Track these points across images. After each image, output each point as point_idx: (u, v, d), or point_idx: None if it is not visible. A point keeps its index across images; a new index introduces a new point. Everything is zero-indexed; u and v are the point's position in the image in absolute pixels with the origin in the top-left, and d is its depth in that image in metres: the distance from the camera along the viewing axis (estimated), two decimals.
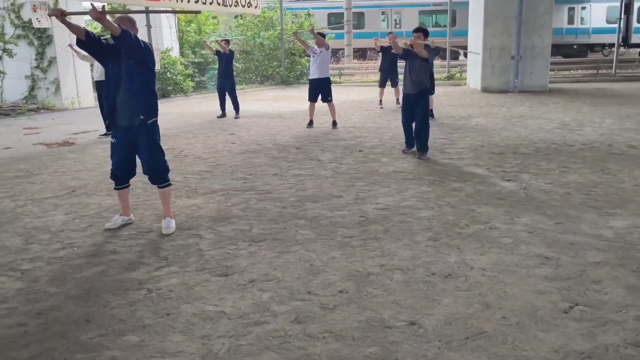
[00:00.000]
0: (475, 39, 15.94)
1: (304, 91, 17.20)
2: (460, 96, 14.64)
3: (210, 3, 15.84)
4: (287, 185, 5.71)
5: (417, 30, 6.78)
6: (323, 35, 9.55)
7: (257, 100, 15.58)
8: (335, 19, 28.77)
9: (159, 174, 4.51)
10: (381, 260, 3.70)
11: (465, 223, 4.42)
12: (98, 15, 3.85)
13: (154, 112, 4.41)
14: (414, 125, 7.02)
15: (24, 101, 13.63)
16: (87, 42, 4.05)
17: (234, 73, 12.06)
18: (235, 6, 16.90)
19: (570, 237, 4.05)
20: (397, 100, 12.21)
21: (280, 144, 8.22)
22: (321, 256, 3.80)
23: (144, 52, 4.21)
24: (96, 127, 10.06)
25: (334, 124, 9.70)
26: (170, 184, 4.64)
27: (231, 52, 11.51)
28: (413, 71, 6.73)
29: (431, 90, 10.26)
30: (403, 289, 3.26)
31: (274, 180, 5.98)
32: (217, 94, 11.94)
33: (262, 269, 3.61)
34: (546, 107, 11.81)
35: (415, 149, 7.14)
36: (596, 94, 14.20)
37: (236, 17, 23.22)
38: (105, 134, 9.25)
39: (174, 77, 16.26)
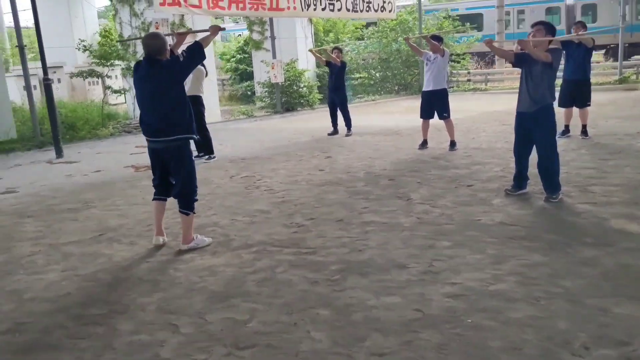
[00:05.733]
0: None
1: None
2: (634, 105, 11.77)
3: (339, 9, 14.77)
4: (343, 241, 4.27)
5: (536, 23, 4.91)
6: (439, 39, 7.87)
7: (386, 113, 14.22)
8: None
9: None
10: None
11: (586, 341, 2.62)
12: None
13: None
14: (533, 157, 5.13)
15: None
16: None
17: (346, 85, 10.78)
18: (367, 11, 15.63)
19: None
20: None
21: (374, 172, 6.76)
22: None
23: None
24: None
25: (452, 144, 7.96)
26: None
27: (343, 63, 10.28)
28: (531, 81, 4.88)
29: (587, 102, 8.09)
30: None
31: (332, 230, 4.58)
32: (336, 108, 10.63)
33: None
34: None
35: (523, 190, 5.26)
36: None
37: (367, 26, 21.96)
38: (197, 156, 8.58)
39: (300, 89, 15.50)
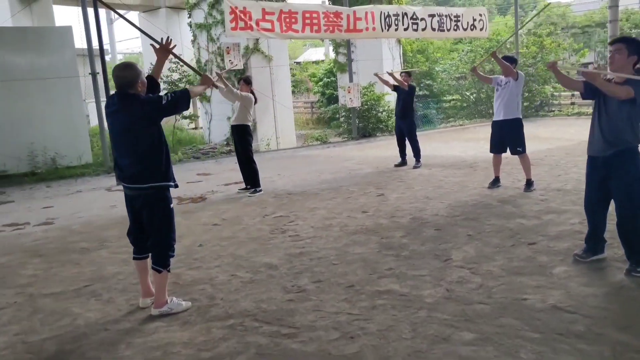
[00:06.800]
0: None
1: (540, 127, 13.84)
2: None
3: (423, 29, 13.93)
4: (338, 321, 3.38)
5: (615, 41, 3.75)
6: (512, 60, 6.71)
7: (470, 140, 12.96)
8: None
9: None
10: None
11: None
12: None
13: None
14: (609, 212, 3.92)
15: (225, 143, 13.63)
16: None
17: (414, 112, 9.71)
18: (456, 30, 14.62)
19: None
20: None
21: (422, 218, 5.76)
22: None
23: None
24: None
25: (528, 184, 6.74)
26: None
27: (411, 87, 9.29)
28: (605, 117, 3.74)
29: None
30: None
31: (334, 300, 3.69)
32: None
33: None
34: None
35: (599, 256, 4.05)
36: None
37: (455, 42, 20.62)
38: (245, 188, 8.04)
39: (379, 114, 14.62)
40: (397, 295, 3.71)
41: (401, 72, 9.51)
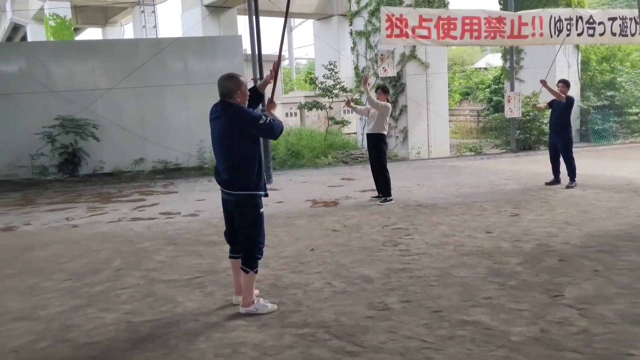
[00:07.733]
0: None
1: None
2: None
3: (601, 34, 12.74)
4: (408, 346, 3.22)
5: None
6: None
7: None
8: None
9: None
10: None
11: None
12: None
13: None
14: None
15: None
16: None
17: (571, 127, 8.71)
18: None
19: None
20: None
21: (549, 245, 5.22)
22: None
23: None
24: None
25: None
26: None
27: (569, 99, 8.43)
28: None
29: None
30: None
31: (413, 325, 3.52)
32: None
33: None
34: None
35: None
36: None
37: None
38: (377, 196, 8.03)
39: (543, 126, 13.53)
40: (482, 328, 3.43)
41: (558, 82, 8.66)
